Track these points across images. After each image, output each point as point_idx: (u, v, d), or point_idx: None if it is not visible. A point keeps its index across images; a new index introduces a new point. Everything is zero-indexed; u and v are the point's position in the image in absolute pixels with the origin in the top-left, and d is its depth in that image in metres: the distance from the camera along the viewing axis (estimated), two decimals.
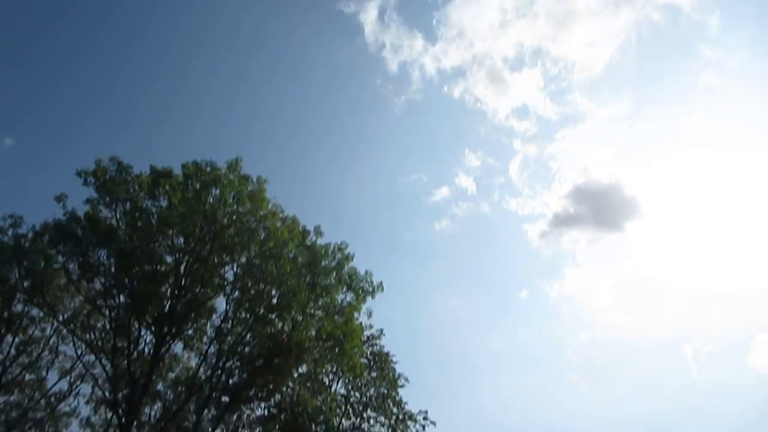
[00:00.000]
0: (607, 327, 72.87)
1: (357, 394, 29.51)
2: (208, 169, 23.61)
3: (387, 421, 29.30)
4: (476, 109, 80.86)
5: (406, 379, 29.83)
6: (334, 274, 25.33)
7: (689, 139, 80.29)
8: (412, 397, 32.62)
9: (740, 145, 78.73)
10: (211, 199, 23.63)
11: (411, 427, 29.06)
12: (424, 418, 29.11)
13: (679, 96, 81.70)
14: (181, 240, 24.14)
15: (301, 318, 25.83)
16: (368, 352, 29.31)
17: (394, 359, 29.67)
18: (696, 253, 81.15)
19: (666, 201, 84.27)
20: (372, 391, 29.55)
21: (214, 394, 26.56)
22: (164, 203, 23.60)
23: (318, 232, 25.53)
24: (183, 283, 24.68)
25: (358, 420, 29.42)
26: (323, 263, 25.01)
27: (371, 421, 29.38)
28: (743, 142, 76.86)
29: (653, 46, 78.29)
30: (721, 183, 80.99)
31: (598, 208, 72.72)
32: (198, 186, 23.21)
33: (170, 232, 23.68)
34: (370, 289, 25.95)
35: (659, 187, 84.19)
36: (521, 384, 67.23)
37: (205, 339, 26.92)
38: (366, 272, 26.04)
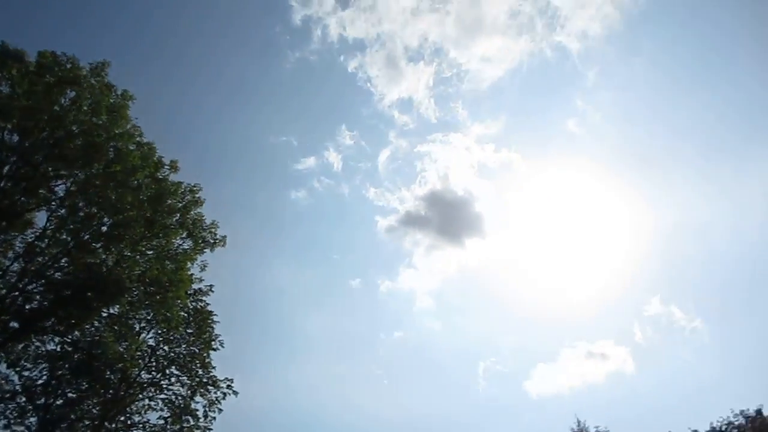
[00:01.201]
0: (420, 330, 78.96)
1: (166, 348, 28.32)
2: (69, 65, 21.49)
3: (189, 382, 28.50)
4: (365, 89, 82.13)
5: (221, 343, 28.94)
6: (178, 215, 24.20)
7: (542, 176, 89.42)
8: (222, 362, 32.09)
9: (588, 193, 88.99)
10: (64, 101, 21.62)
11: (212, 392, 28.39)
12: (228, 387, 28.27)
13: (542, 133, 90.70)
14: (16, 137, 21.68)
15: (129, 254, 24.52)
16: (190, 307, 28.40)
17: (215, 319, 28.98)
18: (517, 281, 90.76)
19: (507, 227, 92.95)
20: (183, 347, 28.49)
21: (2, 317, 23.88)
22: (6, 89, 21.07)
23: (173, 166, 24.13)
24: (2, 184, 22.16)
25: (159, 375, 28.29)
26: (169, 201, 23.82)
27: (172, 379, 28.32)
28: (591, 190, 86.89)
29: (537, 79, 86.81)
30: (564, 224, 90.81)
31: (446, 217, 78.44)
32: (52, 81, 21.12)
33: (6, 125, 21.14)
34: (212, 241, 25.22)
35: (505, 214, 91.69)
36: (328, 371, 69.87)
37: (10, 254, 24.30)
38: (212, 222, 25.39)
